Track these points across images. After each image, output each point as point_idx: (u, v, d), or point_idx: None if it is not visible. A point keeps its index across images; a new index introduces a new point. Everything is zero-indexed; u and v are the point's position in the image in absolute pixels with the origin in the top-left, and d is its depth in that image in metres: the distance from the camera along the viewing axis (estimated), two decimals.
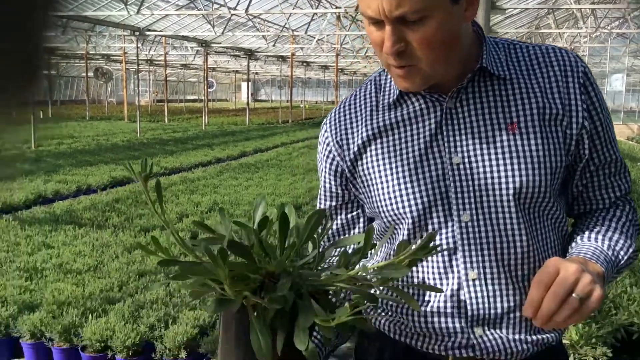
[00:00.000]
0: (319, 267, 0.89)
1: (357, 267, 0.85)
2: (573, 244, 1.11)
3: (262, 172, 9.75)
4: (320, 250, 0.86)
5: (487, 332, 1.08)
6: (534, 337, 1.09)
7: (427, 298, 1.11)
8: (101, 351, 3.33)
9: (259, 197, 0.93)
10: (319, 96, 50.87)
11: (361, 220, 1.21)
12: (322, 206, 1.23)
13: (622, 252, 1.08)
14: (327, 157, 1.19)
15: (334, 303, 0.89)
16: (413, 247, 0.82)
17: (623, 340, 3.34)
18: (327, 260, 0.91)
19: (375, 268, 0.83)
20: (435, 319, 1.10)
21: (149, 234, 5.47)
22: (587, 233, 1.11)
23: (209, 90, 27.96)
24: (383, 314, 1.17)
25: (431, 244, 0.83)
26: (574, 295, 0.90)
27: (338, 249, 0.89)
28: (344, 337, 0.85)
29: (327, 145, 1.18)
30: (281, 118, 27.33)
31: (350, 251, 0.85)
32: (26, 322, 3.48)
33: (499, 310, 1.07)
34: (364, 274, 0.84)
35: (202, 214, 6.45)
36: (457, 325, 1.08)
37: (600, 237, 1.09)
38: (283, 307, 0.78)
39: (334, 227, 1.22)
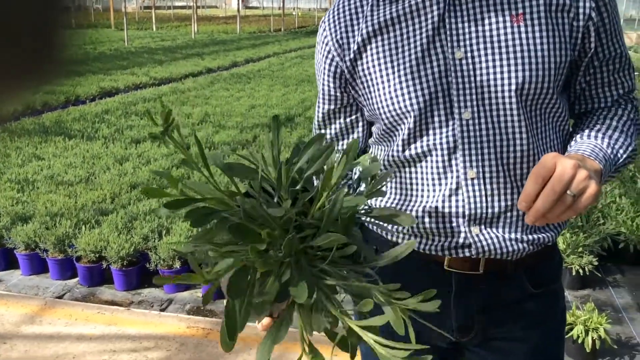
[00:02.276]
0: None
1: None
2: (572, 142, 1.08)
3: (254, 83, 9.58)
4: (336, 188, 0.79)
5: (484, 232, 1.07)
6: (530, 237, 1.09)
7: (424, 199, 1.09)
8: (96, 262, 3.38)
9: (272, 119, 0.77)
10: (312, 3, 49.32)
11: (360, 124, 1.18)
12: (321, 110, 1.19)
13: (621, 151, 1.05)
14: (326, 57, 1.13)
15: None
16: None
17: (609, 249, 3.41)
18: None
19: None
20: (433, 219, 1.09)
21: (140, 146, 5.43)
22: (587, 131, 1.09)
23: None
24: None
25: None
26: (568, 192, 0.88)
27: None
28: None
29: (326, 44, 1.12)
30: (273, 26, 26.57)
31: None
32: (20, 234, 3.51)
33: (496, 210, 1.06)
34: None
35: (194, 126, 6.38)
36: (455, 225, 1.08)
37: (600, 135, 1.07)
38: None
39: (333, 131, 1.20)
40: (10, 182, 4.32)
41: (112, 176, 4.49)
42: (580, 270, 3.11)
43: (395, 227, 1.14)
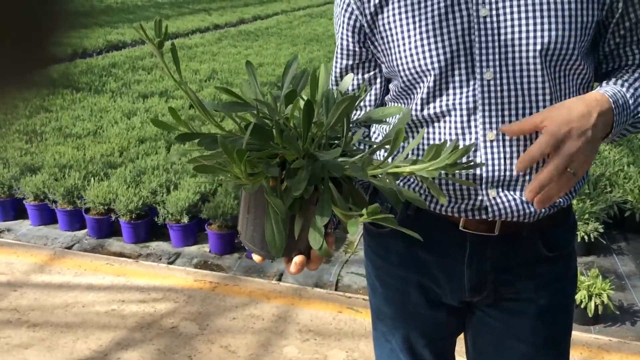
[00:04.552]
0: (350, 147, 0.85)
1: (385, 160, 0.81)
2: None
3: (261, 41, 9.47)
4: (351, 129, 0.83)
5: (501, 194, 1.06)
6: None
7: None
8: (105, 214, 3.41)
9: (292, 56, 0.86)
10: None
11: (378, 80, 1.16)
12: (339, 65, 1.17)
13: None
14: (346, 10, 1.10)
15: (359, 192, 0.85)
16: (444, 154, 0.78)
17: (615, 217, 3.42)
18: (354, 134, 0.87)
19: (404, 165, 0.80)
20: (449, 181, 1.08)
21: (147, 101, 5.41)
22: (613, 80, 1.06)
23: None
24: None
25: (464, 161, 0.80)
26: (569, 170, 0.93)
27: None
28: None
29: None
30: None
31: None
32: (29, 184, 3.52)
33: (514, 173, 1.04)
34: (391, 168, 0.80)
35: (201, 82, 6.34)
36: (472, 187, 1.06)
37: (620, 82, 1.04)
38: (302, 195, 0.74)
39: (350, 87, 1.18)
40: (18, 133, 4.32)
41: (120, 130, 4.48)
42: (586, 237, 3.13)
43: (412, 186, 1.14)
